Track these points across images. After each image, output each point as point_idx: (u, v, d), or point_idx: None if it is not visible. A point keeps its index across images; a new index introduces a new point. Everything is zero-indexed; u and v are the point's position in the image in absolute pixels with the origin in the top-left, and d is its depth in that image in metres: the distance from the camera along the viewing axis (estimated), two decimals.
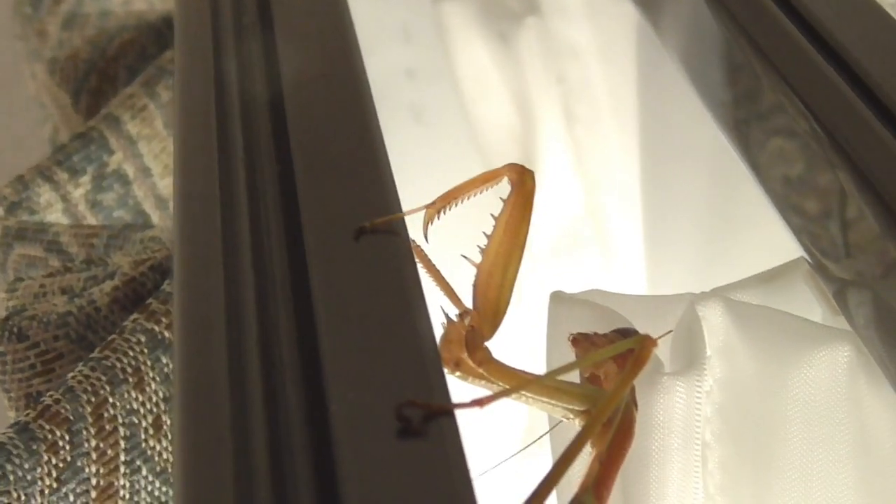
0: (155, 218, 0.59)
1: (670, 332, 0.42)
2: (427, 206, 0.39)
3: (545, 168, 0.70)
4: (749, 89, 0.50)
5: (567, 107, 0.71)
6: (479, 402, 0.32)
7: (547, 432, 0.42)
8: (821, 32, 0.47)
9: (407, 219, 0.38)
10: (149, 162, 0.59)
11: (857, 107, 0.43)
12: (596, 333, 0.39)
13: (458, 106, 0.72)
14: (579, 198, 0.70)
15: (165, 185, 0.59)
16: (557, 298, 0.44)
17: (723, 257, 0.63)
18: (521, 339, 0.59)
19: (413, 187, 0.41)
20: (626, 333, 0.39)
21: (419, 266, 0.38)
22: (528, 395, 0.36)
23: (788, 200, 0.48)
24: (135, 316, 0.46)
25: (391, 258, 0.37)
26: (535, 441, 0.43)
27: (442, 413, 0.30)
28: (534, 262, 0.70)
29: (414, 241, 0.38)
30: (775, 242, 0.49)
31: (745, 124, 0.52)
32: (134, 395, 0.45)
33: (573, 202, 0.71)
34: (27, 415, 0.44)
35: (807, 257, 0.45)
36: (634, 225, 0.69)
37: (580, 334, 0.39)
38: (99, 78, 0.63)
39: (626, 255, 0.69)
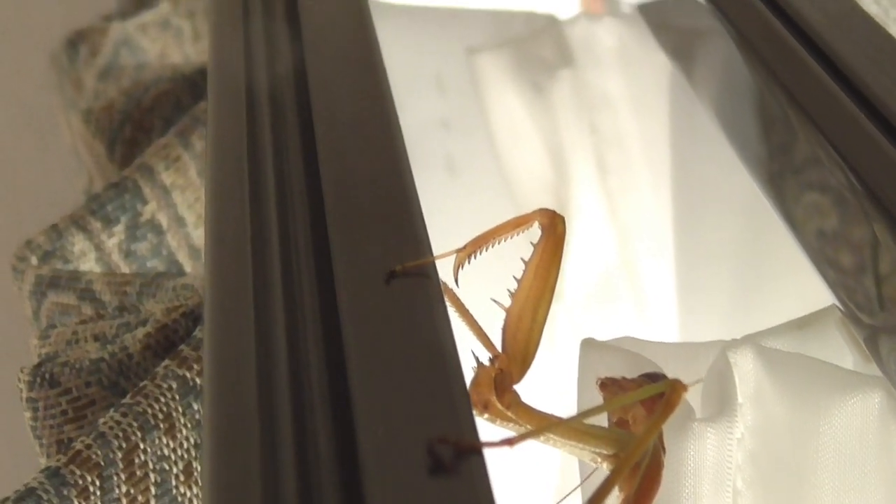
0: (188, 267, 0.60)
1: (701, 379, 0.43)
2: (458, 251, 0.40)
3: (579, 218, 0.71)
4: (784, 142, 0.50)
5: (600, 157, 0.71)
6: (508, 442, 0.32)
7: (579, 485, 0.43)
8: (857, 84, 0.47)
9: (438, 262, 0.38)
10: (183, 212, 0.60)
11: (893, 158, 0.44)
12: (624, 378, 0.39)
13: (491, 156, 0.73)
14: (613, 247, 0.71)
15: (199, 234, 0.60)
16: (588, 345, 0.45)
17: (755, 305, 0.63)
18: (554, 387, 0.59)
19: (447, 238, 0.42)
20: (655, 378, 0.39)
21: (451, 309, 0.38)
22: (556, 437, 0.37)
23: (823, 254, 0.48)
24: (166, 362, 0.46)
25: (422, 301, 0.37)
26: (568, 495, 0.43)
27: (472, 451, 0.30)
28: (567, 310, 0.70)
29: (445, 283, 0.39)
30: (807, 290, 0.49)
31: (779, 177, 0.52)
32: (165, 440, 0.46)
33: (607, 252, 0.71)
34: (58, 460, 0.45)
35: (838, 305, 0.45)
36: (667, 274, 0.69)
37: (608, 378, 0.39)
38: (134, 128, 0.64)
39: (659, 304, 0.70)
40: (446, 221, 0.64)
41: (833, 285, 0.47)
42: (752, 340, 0.44)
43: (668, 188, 0.70)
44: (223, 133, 0.46)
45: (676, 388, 0.36)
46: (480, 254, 0.40)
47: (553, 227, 0.39)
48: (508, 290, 0.39)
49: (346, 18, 0.54)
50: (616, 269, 0.71)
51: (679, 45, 0.62)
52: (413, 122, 0.79)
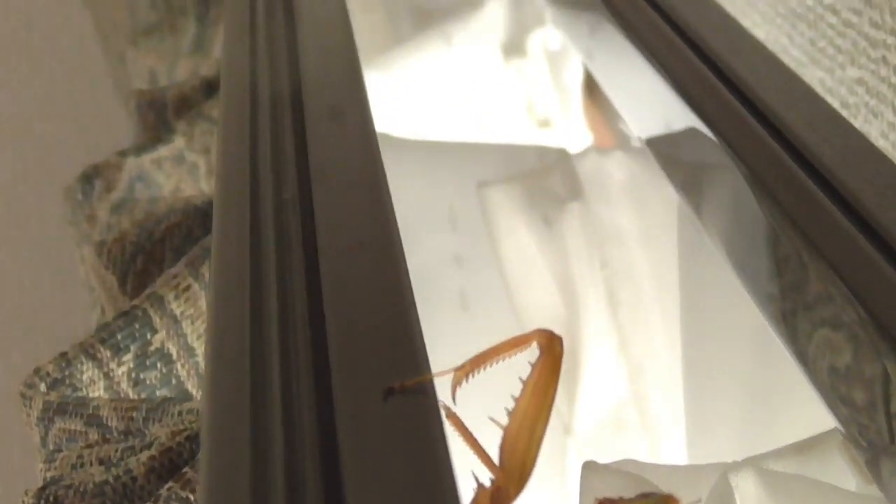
0: (198, 397, 0.61)
1: (700, 499, 0.43)
2: (456, 369, 0.40)
3: (590, 351, 0.72)
4: (795, 278, 0.51)
5: (611, 291, 0.72)
6: None
7: None
8: (869, 221, 0.48)
9: (436, 381, 0.39)
10: (192, 341, 0.60)
11: None
12: (622, 498, 0.40)
13: (503, 291, 0.73)
14: (624, 381, 0.71)
15: None
16: (589, 468, 0.45)
17: (763, 439, 0.63)
18: None
19: None
20: (651, 497, 0.39)
21: (450, 427, 0.39)
22: None
23: (834, 390, 0.48)
24: (170, 484, 0.47)
25: (419, 419, 0.38)
26: None
27: None
28: (578, 443, 0.71)
29: (443, 402, 0.39)
30: (815, 423, 0.49)
31: (790, 314, 0.52)
32: None
33: (617, 386, 0.71)
34: None
35: (840, 428, 0.45)
36: (677, 407, 0.69)
37: (606, 499, 0.40)
38: (145, 260, 0.65)
39: (670, 438, 0.70)
40: (460, 358, 0.65)
41: (843, 421, 0.47)
42: (753, 463, 0.44)
43: (678, 321, 0.70)
44: (227, 255, 0.47)
45: (670, 502, 0.36)
46: (479, 372, 0.41)
47: (551, 347, 0.40)
48: (506, 409, 0.39)
49: (354, 150, 0.56)
50: (626, 403, 0.71)
51: (688, 179, 0.63)
52: (426, 259, 0.80)
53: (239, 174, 0.53)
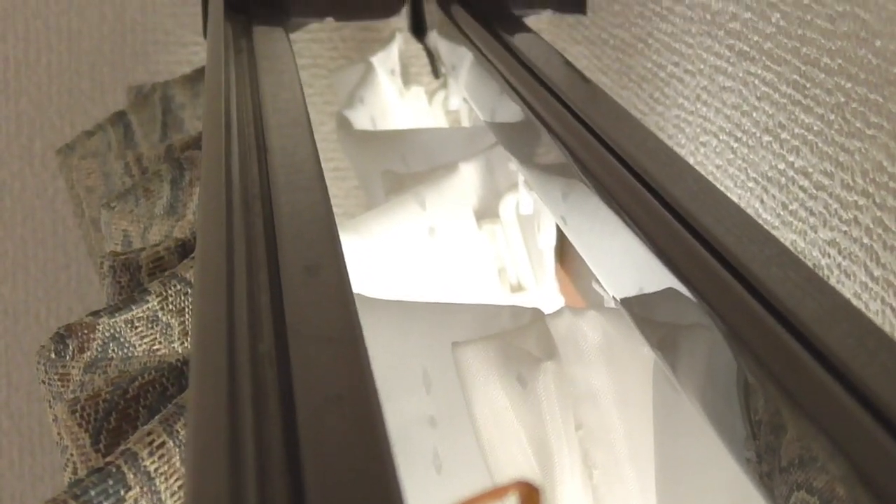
0: None
1: None
2: None
3: None
4: (776, 438, 0.51)
5: (585, 452, 0.72)
6: None
7: None
8: (852, 380, 0.48)
9: None
10: (166, 499, 0.60)
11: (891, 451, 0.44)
12: None
13: (478, 452, 0.73)
14: None
15: None
16: None
17: None
18: None
19: None
20: None
21: None
22: None
23: None
24: None
25: None
26: None
27: None
28: None
29: None
30: None
31: (768, 476, 0.53)
32: None
33: None
34: None
35: None
36: None
37: None
38: (119, 417, 0.65)
39: None
40: None
41: None
42: None
43: (652, 482, 0.70)
44: (204, 411, 0.47)
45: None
46: None
47: (530, 498, 0.40)
48: None
49: (330, 305, 0.56)
50: None
51: (665, 338, 0.64)
52: (399, 421, 0.80)
53: (215, 330, 0.54)
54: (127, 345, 0.77)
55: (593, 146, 0.77)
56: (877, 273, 0.68)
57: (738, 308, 0.55)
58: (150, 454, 0.59)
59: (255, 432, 0.45)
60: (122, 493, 0.58)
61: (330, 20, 1.35)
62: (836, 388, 0.48)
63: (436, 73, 1.46)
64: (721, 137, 0.92)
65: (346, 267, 0.59)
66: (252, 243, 0.63)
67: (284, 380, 0.49)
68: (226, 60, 1.02)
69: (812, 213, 0.76)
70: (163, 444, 0.60)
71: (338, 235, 0.64)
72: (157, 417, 0.61)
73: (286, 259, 0.61)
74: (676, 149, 0.90)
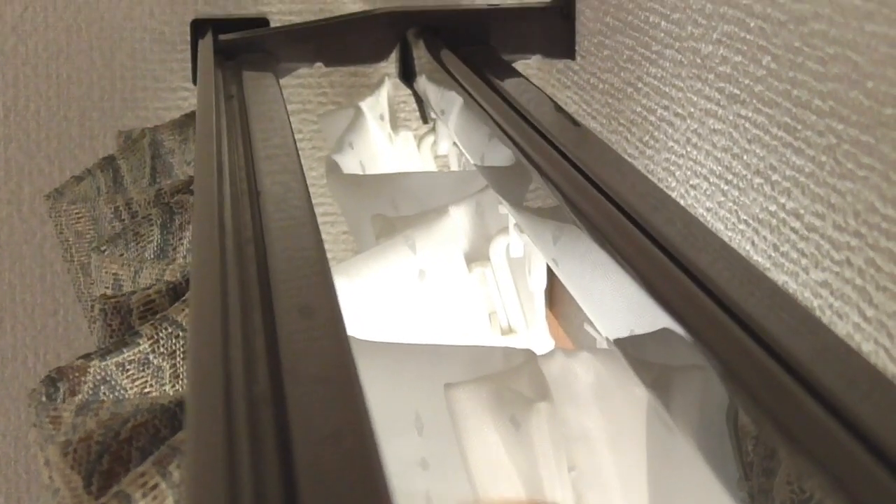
0: None
1: None
2: None
3: None
4: (767, 480, 0.51)
5: (579, 494, 0.72)
6: None
7: None
8: (849, 418, 0.48)
9: None
10: None
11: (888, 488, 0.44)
12: None
13: (470, 493, 0.73)
14: None
15: None
16: None
17: None
18: None
19: None
20: None
21: None
22: None
23: None
24: None
25: None
26: None
27: None
28: None
29: None
30: None
31: None
32: None
33: None
34: None
35: None
36: None
37: None
38: (111, 460, 0.65)
39: None
40: None
41: None
42: None
43: None
44: (200, 452, 0.47)
45: None
46: None
47: None
48: None
49: (326, 345, 0.56)
50: None
51: (659, 378, 0.64)
52: (391, 463, 0.80)
53: (211, 372, 0.54)
54: (118, 388, 0.76)
55: (585, 188, 0.77)
56: (869, 313, 0.69)
57: (733, 347, 0.55)
58: (144, 495, 0.59)
59: (252, 473, 0.45)
60: None
61: (319, 65, 1.36)
62: (834, 426, 0.48)
63: (424, 118, 1.47)
64: (711, 180, 0.92)
65: (340, 308, 0.59)
66: (246, 286, 0.63)
67: (281, 420, 0.48)
68: (216, 105, 1.03)
69: (804, 255, 0.76)
70: (156, 485, 0.60)
71: (331, 276, 0.64)
72: (150, 459, 0.61)
73: (280, 301, 0.61)
74: (667, 192, 0.90)
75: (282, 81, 1.22)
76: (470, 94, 1.07)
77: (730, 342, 0.55)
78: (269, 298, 0.61)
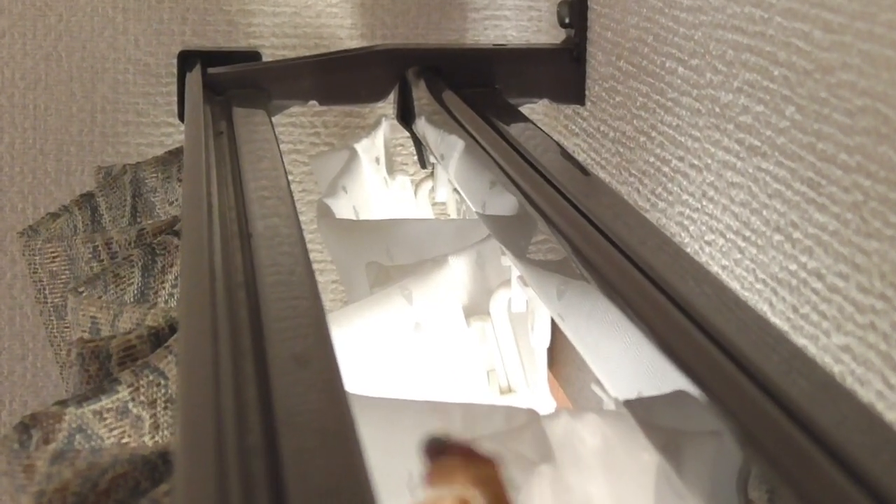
0: None
1: None
2: None
3: None
4: None
5: None
6: None
7: None
8: (874, 486, 0.49)
9: None
10: None
11: None
12: None
13: None
14: None
15: None
16: None
17: None
18: None
19: None
20: None
21: None
22: None
23: None
24: None
25: None
26: None
27: None
28: None
29: None
30: None
31: None
32: None
33: None
34: None
35: None
36: None
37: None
38: None
39: None
40: None
41: None
42: None
43: None
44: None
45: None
46: None
47: None
48: None
49: (321, 396, 0.56)
50: None
51: (670, 440, 0.64)
52: None
53: (201, 422, 0.54)
54: (94, 437, 0.77)
55: (595, 240, 0.77)
56: (894, 381, 0.69)
57: (752, 410, 0.55)
58: None
59: None
60: None
61: (313, 104, 1.36)
62: (859, 496, 0.48)
63: (423, 162, 1.47)
64: (728, 236, 0.93)
65: (336, 356, 0.60)
66: (237, 332, 0.63)
67: (275, 473, 0.49)
68: (206, 142, 1.03)
69: (825, 317, 0.77)
70: None
71: (327, 324, 0.64)
72: None
73: (274, 349, 0.61)
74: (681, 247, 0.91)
75: (273, 120, 1.22)
76: (473, 138, 1.08)
77: (749, 405, 0.56)
78: (262, 346, 0.61)
